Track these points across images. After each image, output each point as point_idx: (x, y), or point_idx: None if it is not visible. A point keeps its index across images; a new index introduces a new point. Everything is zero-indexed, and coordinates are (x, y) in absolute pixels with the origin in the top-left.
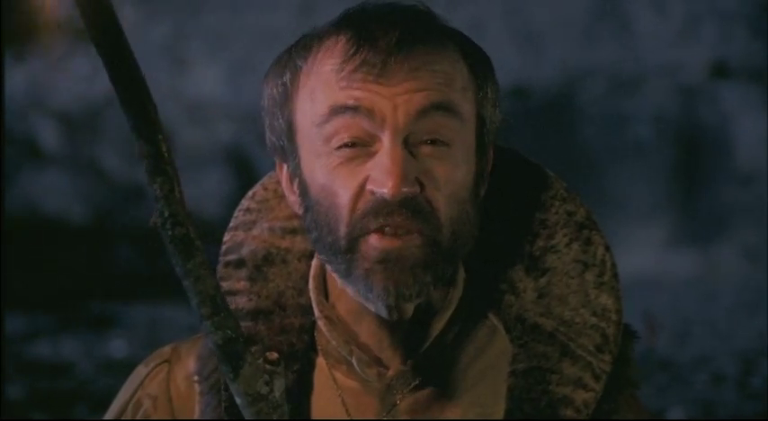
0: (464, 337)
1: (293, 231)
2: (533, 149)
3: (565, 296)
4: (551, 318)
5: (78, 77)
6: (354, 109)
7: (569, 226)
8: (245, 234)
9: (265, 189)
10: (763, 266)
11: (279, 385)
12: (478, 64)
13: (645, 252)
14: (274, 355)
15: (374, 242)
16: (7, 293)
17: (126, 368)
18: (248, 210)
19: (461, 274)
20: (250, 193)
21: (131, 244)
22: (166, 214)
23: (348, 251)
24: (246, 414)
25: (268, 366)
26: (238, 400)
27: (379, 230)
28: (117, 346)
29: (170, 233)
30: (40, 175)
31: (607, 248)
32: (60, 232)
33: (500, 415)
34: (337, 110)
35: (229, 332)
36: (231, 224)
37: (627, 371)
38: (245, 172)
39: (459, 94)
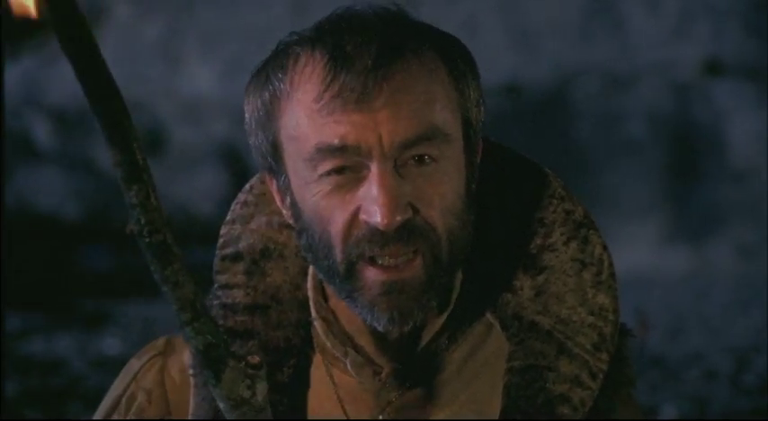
0: (460, 335)
1: (291, 226)
2: (527, 147)
3: (562, 294)
4: (548, 316)
5: (72, 75)
6: (341, 149)
7: (567, 224)
8: (243, 227)
9: (263, 182)
10: (757, 263)
11: (261, 389)
12: (458, 66)
13: (639, 249)
14: (256, 359)
15: (375, 275)
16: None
17: (119, 365)
18: (245, 203)
19: (459, 276)
20: (247, 186)
21: (125, 241)
22: (143, 221)
23: (347, 278)
24: (230, 418)
25: (250, 370)
26: (221, 405)
27: (378, 263)
28: (110, 344)
29: (147, 240)
30: (34, 173)
31: (604, 247)
32: (53, 229)
33: (496, 412)
34: (324, 149)
35: (210, 337)
36: (228, 217)
37: (623, 369)
38: (238, 169)
39: (442, 109)
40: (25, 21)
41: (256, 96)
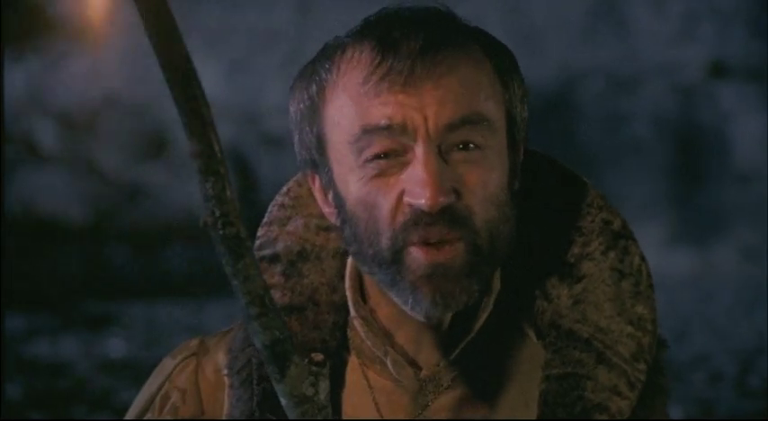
0: (496, 341)
1: (327, 228)
2: (532, 148)
3: (601, 303)
4: (587, 325)
5: (76, 77)
6: (387, 128)
7: (605, 234)
8: (280, 229)
9: (300, 185)
10: (761, 265)
11: (324, 387)
12: (503, 62)
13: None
14: (320, 356)
15: (419, 256)
16: (5, 293)
17: (124, 367)
18: (282, 205)
19: (497, 279)
20: (284, 189)
21: (129, 243)
22: (218, 214)
23: (393, 263)
24: (291, 415)
25: (314, 368)
26: (283, 401)
27: (423, 243)
28: (115, 346)
29: (221, 233)
30: (38, 175)
31: (643, 258)
32: (58, 232)
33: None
34: (370, 130)
35: (277, 333)
36: (265, 219)
37: (660, 379)
38: (243, 172)
39: (487, 98)
40: (29, 22)
41: (302, 90)
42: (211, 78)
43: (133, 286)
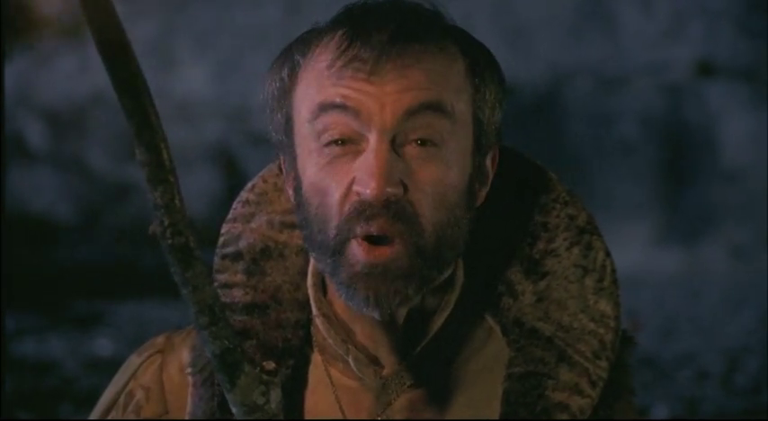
0: (460, 338)
1: (291, 225)
2: (520, 147)
3: (564, 301)
4: (549, 323)
5: (65, 76)
6: (341, 107)
7: (570, 230)
8: (243, 226)
9: (265, 181)
10: (749, 264)
11: (275, 395)
12: (479, 64)
13: (630, 249)
14: (271, 365)
15: (359, 252)
16: None
17: (111, 366)
18: (247, 202)
19: (460, 275)
20: (249, 185)
21: (117, 242)
22: (166, 223)
23: (335, 253)
24: None
25: (265, 376)
26: (234, 410)
27: (364, 237)
28: (102, 345)
29: (170, 242)
30: (27, 173)
31: (607, 254)
32: (45, 230)
33: (494, 416)
34: (325, 107)
35: (227, 342)
36: (229, 215)
37: (624, 377)
38: (231, 170)
39: (453, 94)
40: (18, 20)
41: (276, 72)
42: (200, 77)
43: (121, 285)
